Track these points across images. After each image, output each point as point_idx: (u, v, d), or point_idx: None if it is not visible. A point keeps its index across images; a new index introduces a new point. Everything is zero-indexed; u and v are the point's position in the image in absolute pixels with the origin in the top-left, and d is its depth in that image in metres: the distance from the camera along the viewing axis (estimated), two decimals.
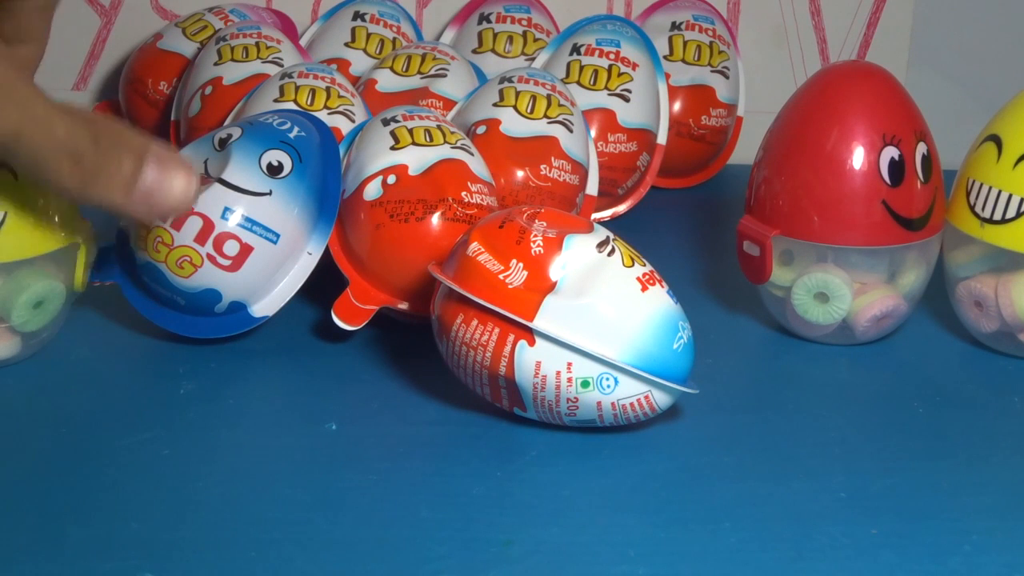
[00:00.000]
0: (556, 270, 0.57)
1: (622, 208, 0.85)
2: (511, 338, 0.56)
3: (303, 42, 0.88)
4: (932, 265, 0.68)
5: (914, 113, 0.67)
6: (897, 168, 0.65)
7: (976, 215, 0.66)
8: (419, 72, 0.81)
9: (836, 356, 0.68)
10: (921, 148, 0.66)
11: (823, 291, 0.66)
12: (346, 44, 0.86)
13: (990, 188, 0.66)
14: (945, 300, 0.70)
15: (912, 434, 0.60)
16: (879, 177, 0.65)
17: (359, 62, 0.85)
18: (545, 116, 0.75)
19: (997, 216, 0.65)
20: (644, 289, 0.57)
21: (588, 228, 0.58)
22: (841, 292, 0.66)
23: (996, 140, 0.66)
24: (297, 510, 0.53)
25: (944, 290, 0.69)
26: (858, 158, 0.65)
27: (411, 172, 0.66)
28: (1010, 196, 0.65)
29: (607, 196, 0.84)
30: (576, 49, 0.85)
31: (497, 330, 0.56)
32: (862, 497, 0.55)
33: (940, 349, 0.69)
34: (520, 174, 0.74)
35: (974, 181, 0.67)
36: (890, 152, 0.65)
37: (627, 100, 0.83)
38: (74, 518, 0.52)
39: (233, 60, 0.80)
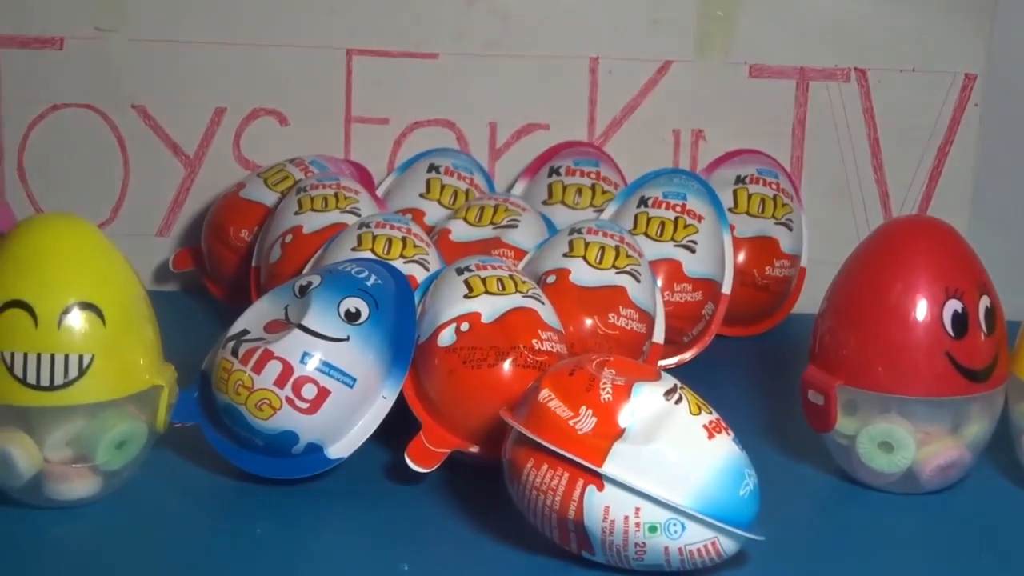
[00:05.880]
0: (625, 417, 0.58)
1: (688, 356, 0.86)
2: (580, 483, 0.57)
3: (380, 192, 0.90)
4: (996, 416, 0.68)
5: (976, 266, 0.67)
6: (960, 320, 0.66)
7: None
8: (491, 223, 0.82)
9: (902, 505, 0.68)
10: (984, 301, 0.67)
11: (887, 440, 0.67)
12: (421, 195, 0.88)
13: None
14: (1011, 449, 0.70)
15: None
16: (943, 329, 0.65)
17: (433, 212, 0.87)
18: (613, 266, 0.76)
19: None
20: (711, 436, 0.58)
21: (656, 376, 0.59)
22: (905, 442, 0.66)
23: None
24: None
25: (1010, 440, 0.69)
26: (921, 310, 0.65)
27: (484, 320, 0.68)
28: None
29: (673, 344, 0.84)
30: (643, 201, 0.86)
31: (567, 475, 0.57)
32: None
33: (1007, 499, 0.69)
34: (589, 322, 0.75)
35: None
36: (953, 305, 0.66)
37: (693, 251, 0.84)
38: None
39: (313, 210, 0.82)
